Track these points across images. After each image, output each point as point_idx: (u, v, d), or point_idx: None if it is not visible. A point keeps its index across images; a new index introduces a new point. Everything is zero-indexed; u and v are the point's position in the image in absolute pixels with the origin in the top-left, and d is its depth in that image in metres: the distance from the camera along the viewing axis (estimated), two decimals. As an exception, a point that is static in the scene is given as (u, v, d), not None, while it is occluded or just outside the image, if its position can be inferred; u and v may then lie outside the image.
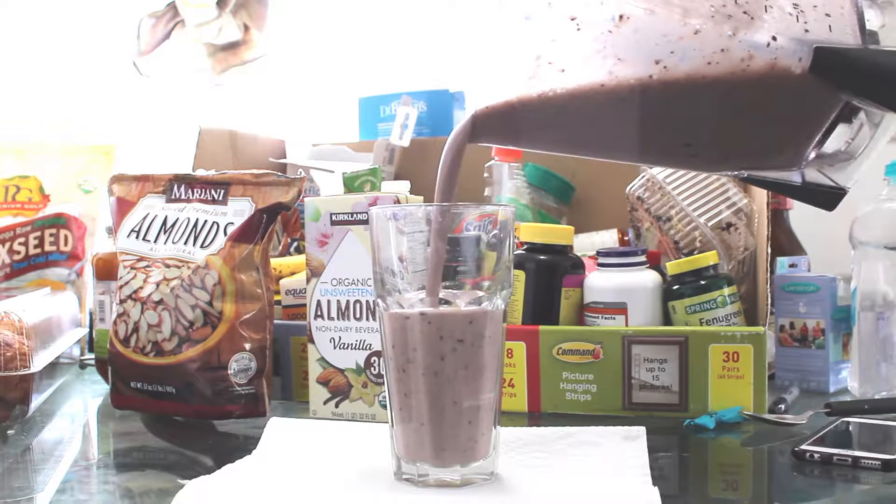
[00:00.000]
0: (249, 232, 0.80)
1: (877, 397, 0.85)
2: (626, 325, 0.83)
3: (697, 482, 0.64)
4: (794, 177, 0.60)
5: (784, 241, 1.10)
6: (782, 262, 0.97)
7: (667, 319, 0.85)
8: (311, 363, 0.80)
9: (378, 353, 0.77)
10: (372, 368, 0.78)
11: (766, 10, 0.53)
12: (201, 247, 0.80)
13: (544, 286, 0.86)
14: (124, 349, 0.79)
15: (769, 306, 0.85)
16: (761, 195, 0.91)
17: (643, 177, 0.97)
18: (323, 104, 1.54)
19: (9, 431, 0.77)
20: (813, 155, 0.57)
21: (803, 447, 0.63)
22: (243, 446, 0.68)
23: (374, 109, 1.35)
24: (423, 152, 1.23)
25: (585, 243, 1.05)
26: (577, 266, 0.88)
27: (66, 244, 1.17)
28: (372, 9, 1.53)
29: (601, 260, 0.87)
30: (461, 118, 0.63)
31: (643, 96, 0.55)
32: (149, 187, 0.86)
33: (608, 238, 1.07)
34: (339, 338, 0.79)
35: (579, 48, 0.56)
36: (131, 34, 1.54)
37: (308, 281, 0.81)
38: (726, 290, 0.84)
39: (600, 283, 0.85)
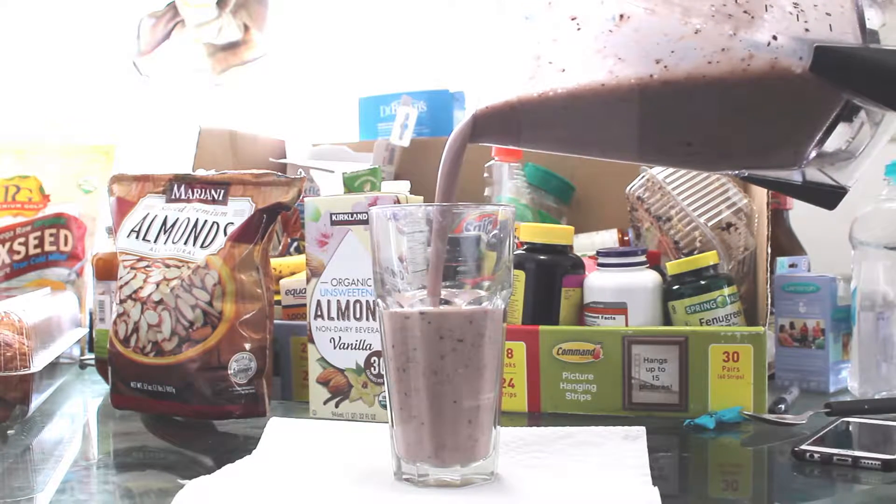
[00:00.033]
0: (249, 232, 0.80)
1: (877, 397, 0.85)
2: (626, 325, 0.83)
3: (697, 482, 0.64)
4: (795, 176, 0.60)
5: (784, 241, 1.10)
6: (782, 262, 0.97)
7: (667, 319, 0.85)
8: (311, 363, 0.80)
9: (378, 353, 0.77)
10: (372, 368, 0.78)
11: (766, 10, 0.53)
12: (201, 247, 0.80)
13: (544, 286, 0.86)
14: (124, 349, 0.79)
15: (769, 306, 0.85)
16: (761, 195, 0.90)
17: (643, 177, 0.97)
18: (323, 104, 1.54)
19: (9, 431, 0.77)
20: (814, 154, 0.57)
21: (803, 447, 0.63)
22: (243, 446, 0.68)
23: (374, 109, 1.35)
24: (423, 152, 1.23)
25: (585, 243, 1.05)
26: (577, 266, 0.88)
27: (66, 244, 1.17)
28: (372, 9, 1.53)
29: (601, 260, 0.87)
30: (461, 118, 0.63)
31: (644, 96, 0.55)
32: (149, 187, 0.86)
33: (608, 238, 1.07)
34: (339, 338, 0.79)
35: (580, 48, 0.56)
36: (131, 34, 1.54)
37: (308, 281, 0.81)
38: (726, 290, 0.84)
39: (600, 283, 0.85)
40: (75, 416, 0.88)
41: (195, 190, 0.84)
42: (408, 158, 1.26)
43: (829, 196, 0.60)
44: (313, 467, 0.61)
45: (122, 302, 0.81)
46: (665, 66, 0.54)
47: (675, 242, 0.92)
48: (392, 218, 0.56)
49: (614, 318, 0.84)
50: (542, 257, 0.87)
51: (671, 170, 0.94)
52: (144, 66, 1.55)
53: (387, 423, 0.59)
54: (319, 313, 0.80)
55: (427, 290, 0.56)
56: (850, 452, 0.61)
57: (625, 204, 1.01)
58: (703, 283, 0.84)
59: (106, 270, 0.98)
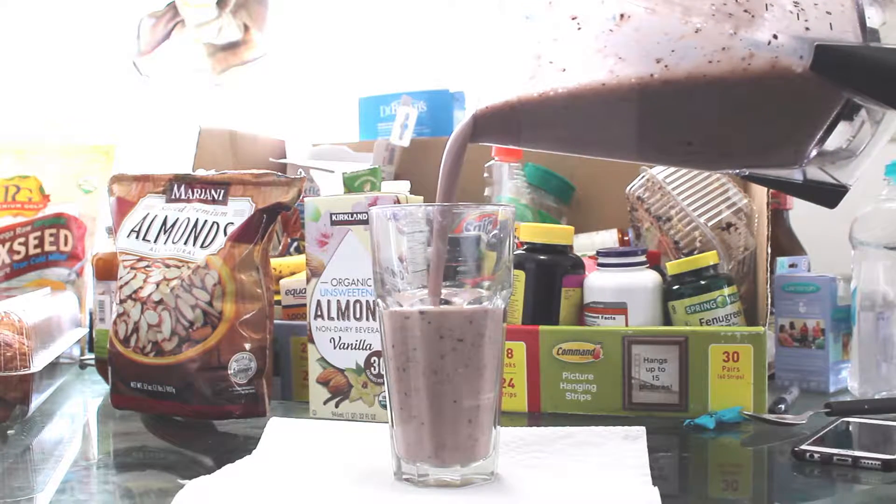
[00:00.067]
0: (249, 232, 0.80)
1: (877, 397, 0.85)
2: (626, 325, 0.83)
3: (697, 482, 0.64)
4: (796, 174, 0.60)
5: (784, 241, 1.10)
6: (782, 262, 0.97)
7: (667, 319, 0.85)
8: (311, 363, 0.80)
9: (378, 353, 0.77)
10: (372, 368, 0.78)
11: (766, 9, 0.53)
12: (201, 247, 0.80)
13: (544, 286, 0.86)
14: (124, 349, 0.79)
15: (769, 306, 0.85)
16: (761, 195, 0.90)
17: (643, 177, 0.97)
18: (323, 104, 1.54)
19: (9, 431, 0.77)
20: (814, 153, 0.57)
21: (803, 447, 0.63)
22: (243, 446, 0.68)
23: (374, 109, 1.35)
24: (423, 152, 1.23)
25: (585, 243, 1.05)
26: (577, 266, 0.88)
27: (66, 244, 1.16)
28: (372, 9, 1.53)
29: (601, 260, 0.87)
30: (461, 118, 0.63)
31: (644, 95, 0.55)
32: (149, 187, 0.86)
33: (608, 238, 1.07)
34: (339, 338, 0.79)
35: (580, 47, 0.56)
36: (131, 34, 1.54)
37: (308, 281, 0.80)
38: (726, 290, 0.84)
39: (600, 283, 0.85)
40: (75, 416, 0.88)
41: (195, 190, 0.84)
42: (408, 158, 1.26)
43: (829, 195, 0.60)
44: (313, 467, 0.61)
45: (122, 302, 0.80)
46: (665, 66, 0.54)
47: (675, 242, 0.92)
48: (392, 218, 0.56)
49: (614, 318, 0.84)
50: (542, 257, 0.87)
51: (671, 170, 0.94)
52: (144, 66, 1.55)
53: (387, 423, 0.59)
54: (319, 313, 0.80)
55: (429, 290, 0.56)
56: (850, 452, 0.61)
57: (625, 204, 1.01)
58: (703, 283, 0.84)
59: (106, 270, 0.98)
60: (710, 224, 0.91)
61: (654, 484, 0.55)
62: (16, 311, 0.80)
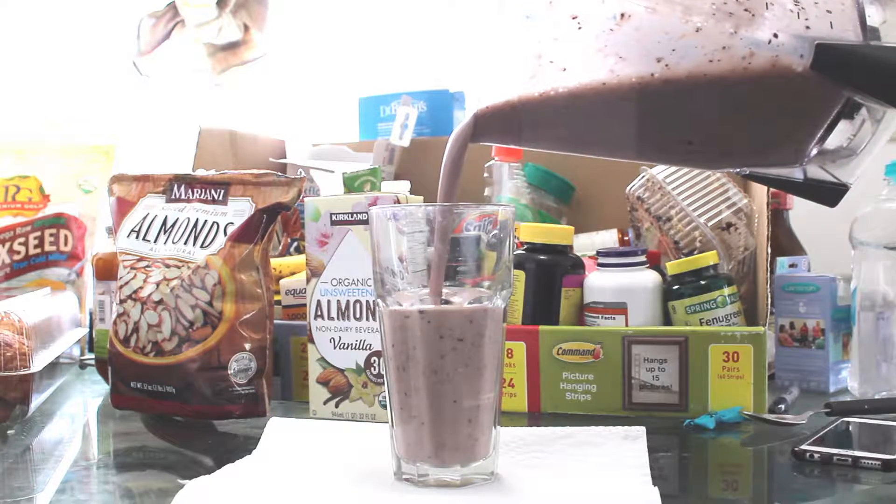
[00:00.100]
0: (249, 232, 0.80)
1: (877, 397, 0.85)
2: (626, 325, 0.83)
3: (697, 482, 0.64)
4: (796, 173, 0.60)
5: (784, 241, 1.10)
6: (782, 262, 0.97)
7: (667, 319, 0.85)
8: (311, 363, 0.80)
9: (378, 353, 0.77)
10: (372, 368, 0.78)
11: (767, 8, 0.53)
12: (201, 247, 0.80)
13: (544, 286, 0.86)
14: (124, 349, 0.79)
15: (769, 306, 0.85)
16: (761, 195, 0.90)
17: (643, 177, 0.96)
18: (323, 104, 1.54)
19: (9, 431, 0.77)
20: (815, 151, 0.57)
21: (803, 447, 0.63)
22: (243, 446, 0.68)
23: (374, 109, 1.35)
24: (423, 152, 1.23)
25: (585, 243, 1.05)
26: (577, 266, 0.88)
27: (66, 244, 1.16)
28: (372, 9, 1.53)
29: (601, 260, 0.87)
30: (461, 118, 0.63)
31: (645, 94, 0.55)
32: (149, 187, 0.86)
33: (608, 238, 1.07)
34: (339, 338, 0.79)
35: (581, 47, 0.56)
36: (131, 34, 1.54)
37: (308, 281, 0.80)
38: (726, 290, 0.84)
39: (600, 283, 0.85)
40: (75, 416, 0.88)
41: (195, 190, 0.84)
42: (408, 158, 1.26)
43: (830, 193, 0.60)
44: (313, 467, 0.61)
45: (122, 302, 0.80)
46: (666, 65, 0.54)
47: (675, 242, 0.92)
48: (392, 218, 0.56)
49: (614, 318, 0.84)
50: (542, 257, 0.86)
51: (671, 169, 0.94)
52: (144, 66, 1.55)
53: (387, 423, 0.59)
54: (319, 313, 0.80)
55: (430, 290, 0.56)
56: (850, 452, 0.61)
57: (625, 204, 1.01)
58: (703, 283, 0.84)
59: (106, 270, 0.98)
60: (710, 224, 0.90)
61: (654, 484, 0.55)
62: (16, 311, 0.80)
